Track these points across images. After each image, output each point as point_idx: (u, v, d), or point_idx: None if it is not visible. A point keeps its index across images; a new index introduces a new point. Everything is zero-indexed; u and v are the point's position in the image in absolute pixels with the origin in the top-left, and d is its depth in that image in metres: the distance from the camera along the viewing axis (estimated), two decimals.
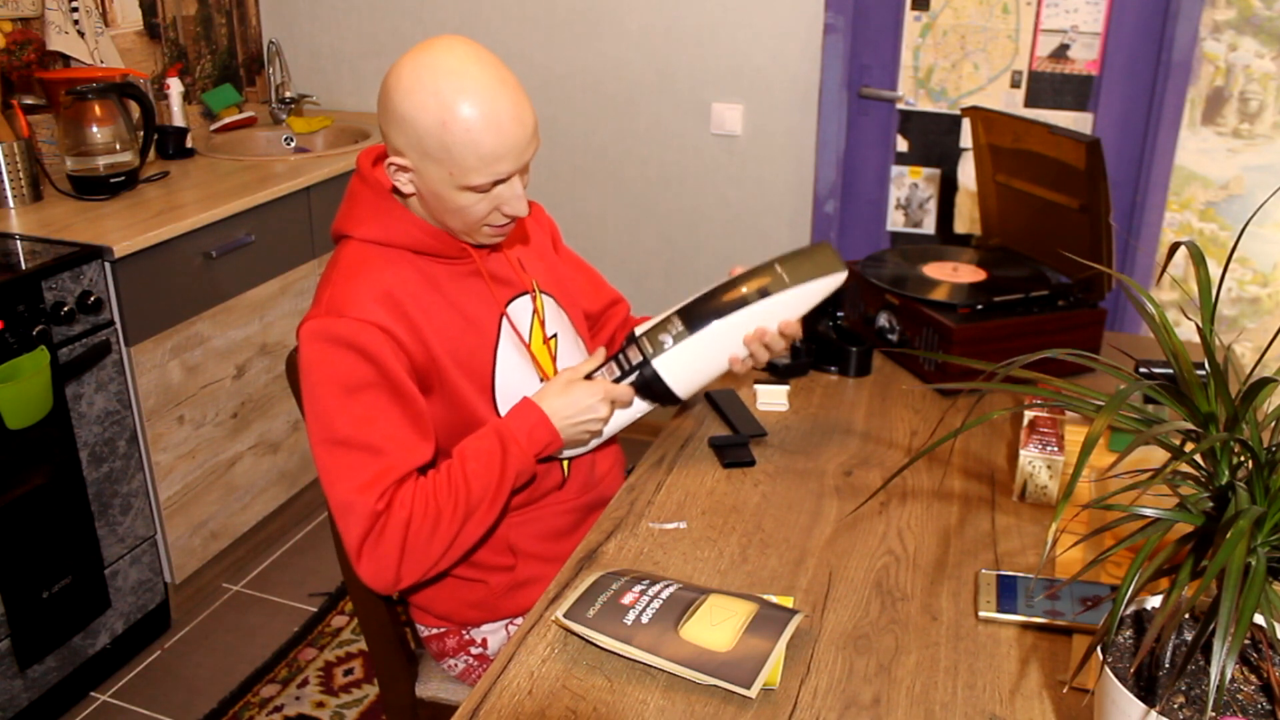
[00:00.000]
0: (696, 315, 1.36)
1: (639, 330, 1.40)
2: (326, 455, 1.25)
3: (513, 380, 1.40)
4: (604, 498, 1.51)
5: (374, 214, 1.32)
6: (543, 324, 1.46)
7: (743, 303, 1.35)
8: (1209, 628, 0.72)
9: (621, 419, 1.42)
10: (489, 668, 1.07)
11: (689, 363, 1.37)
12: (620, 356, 1.39)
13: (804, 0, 2.71)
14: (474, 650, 1.48)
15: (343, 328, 1.24)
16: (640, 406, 1.42)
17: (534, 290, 1.45)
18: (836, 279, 1.39)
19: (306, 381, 1.27)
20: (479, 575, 1.43)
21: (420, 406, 1.30)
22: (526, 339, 1.42)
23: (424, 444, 1.29)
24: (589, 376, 1.38)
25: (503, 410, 1.39)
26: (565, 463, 1.46)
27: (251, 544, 2.67)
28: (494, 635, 1.48)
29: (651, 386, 1.38)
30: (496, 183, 1.26)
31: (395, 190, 1.32)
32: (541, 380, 1.43)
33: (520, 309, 1.43)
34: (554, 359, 1.46)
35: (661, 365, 1.36)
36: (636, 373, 1.37)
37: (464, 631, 1.48)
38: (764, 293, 1.36)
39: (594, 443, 1.44)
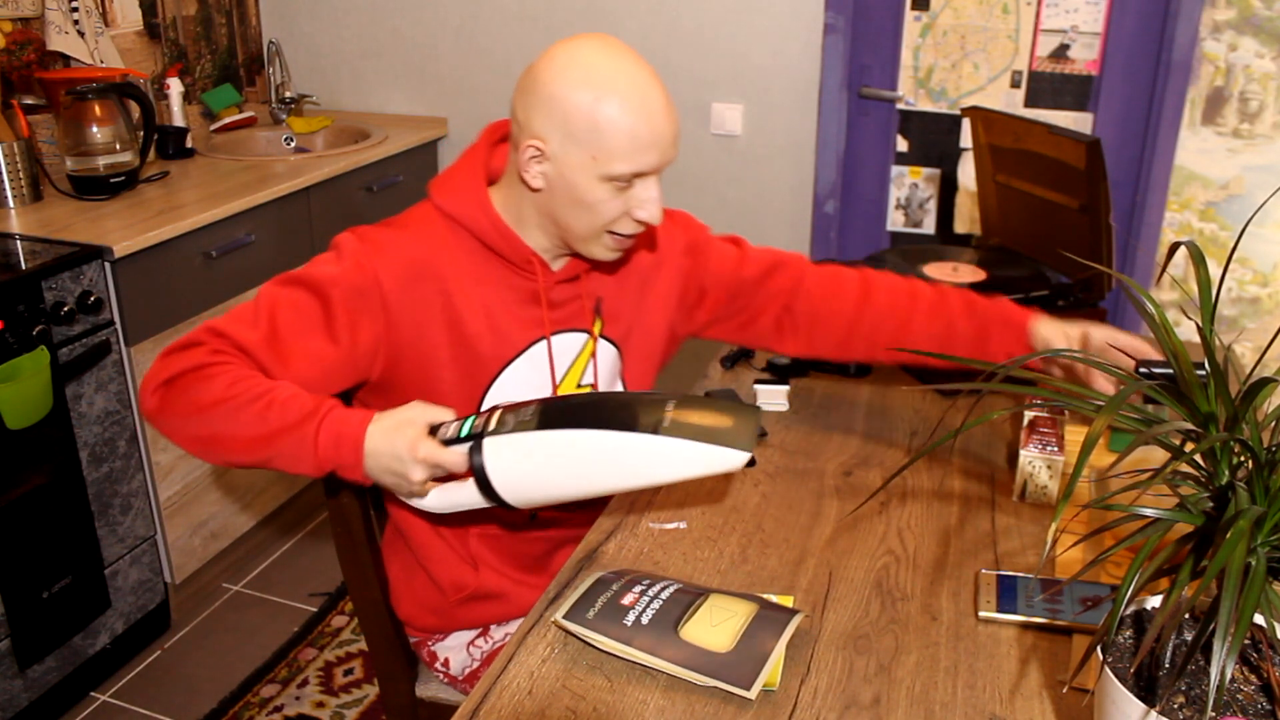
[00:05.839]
0: (556, 413, 1.10)
1: (512, 400, 1.23)
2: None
3: (508, 398, 1.30)
4: (578, 534, 1.42)
5: (459, 188, 1.27)
6: (583, 371, 1.37)
7: (601, 424, 1.07)
8: (1209, 628, 0.72)
9: (455, 498, 1.16)
10: (489, 668, 1.07)
11: (519, 460, 1.09)
12: (473, 419, 1.13)
13: (804, 0, 2.71)
14: (438, 667, 1.46)
15: (354, 252, 1.21)
16: (473, 496, 1.14)
17: (594, 335, 1.36)
18: (728, 457, 1.05)
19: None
20: (437, 575, 1.38)
21: (334, 359, 1.20)
22: (559, 375, 1.34)
23: (301, 377, 1.18)
24: (435, 430, 1.13)
25: None
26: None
27: (251, 544, 2.67)
28: (455, 655, 1.44)
29: (478, 471, 1.10)
30: (636, 176, 1.20)
31: (517, 184, 1.25)
32: None
33: (567, 343, 1.34)
34: None
35: (491, 448, 1.09)
36: (468, 444, 1.10)
37: (429, 643, 1.46)
38: (629, 426, 1.07)
39: (429, 504, 1.18)
